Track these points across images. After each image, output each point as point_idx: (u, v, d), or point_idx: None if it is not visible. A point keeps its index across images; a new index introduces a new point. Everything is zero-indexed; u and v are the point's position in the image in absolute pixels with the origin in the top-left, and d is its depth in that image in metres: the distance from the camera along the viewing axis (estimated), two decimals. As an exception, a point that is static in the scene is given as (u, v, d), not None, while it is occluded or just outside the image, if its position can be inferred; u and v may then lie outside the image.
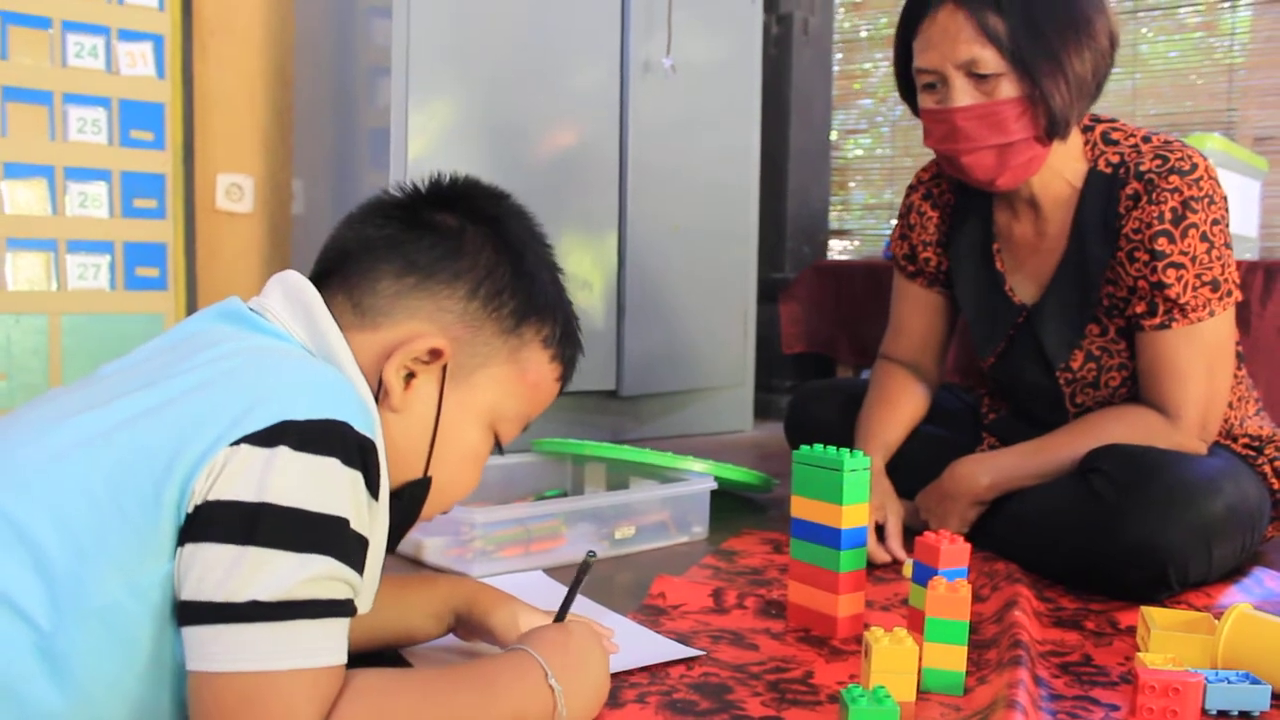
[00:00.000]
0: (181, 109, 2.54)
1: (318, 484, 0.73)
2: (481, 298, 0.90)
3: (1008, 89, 1.46)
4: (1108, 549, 1.39)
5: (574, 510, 1.61)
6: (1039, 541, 1.51)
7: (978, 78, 1.47)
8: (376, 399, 0.87)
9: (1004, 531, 1.58)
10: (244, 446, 0.72)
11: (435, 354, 0.88)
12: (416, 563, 1.56)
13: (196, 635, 0.71)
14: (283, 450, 0.72)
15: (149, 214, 2.44)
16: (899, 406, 1.78)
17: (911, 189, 1.82)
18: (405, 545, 1.59)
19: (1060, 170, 1.57)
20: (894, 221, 3.68)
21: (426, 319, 0.89)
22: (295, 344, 0.85)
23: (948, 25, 1.47)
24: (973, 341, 1.74)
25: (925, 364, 1.83)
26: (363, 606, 0.81)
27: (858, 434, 1.77)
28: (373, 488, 0.78)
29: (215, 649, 0.70)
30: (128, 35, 2.39)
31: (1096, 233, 1.55)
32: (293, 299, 0.87)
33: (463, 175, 0.97)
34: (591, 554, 1.00)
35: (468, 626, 1.12)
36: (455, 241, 0.91)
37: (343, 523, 0.74)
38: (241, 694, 0.70)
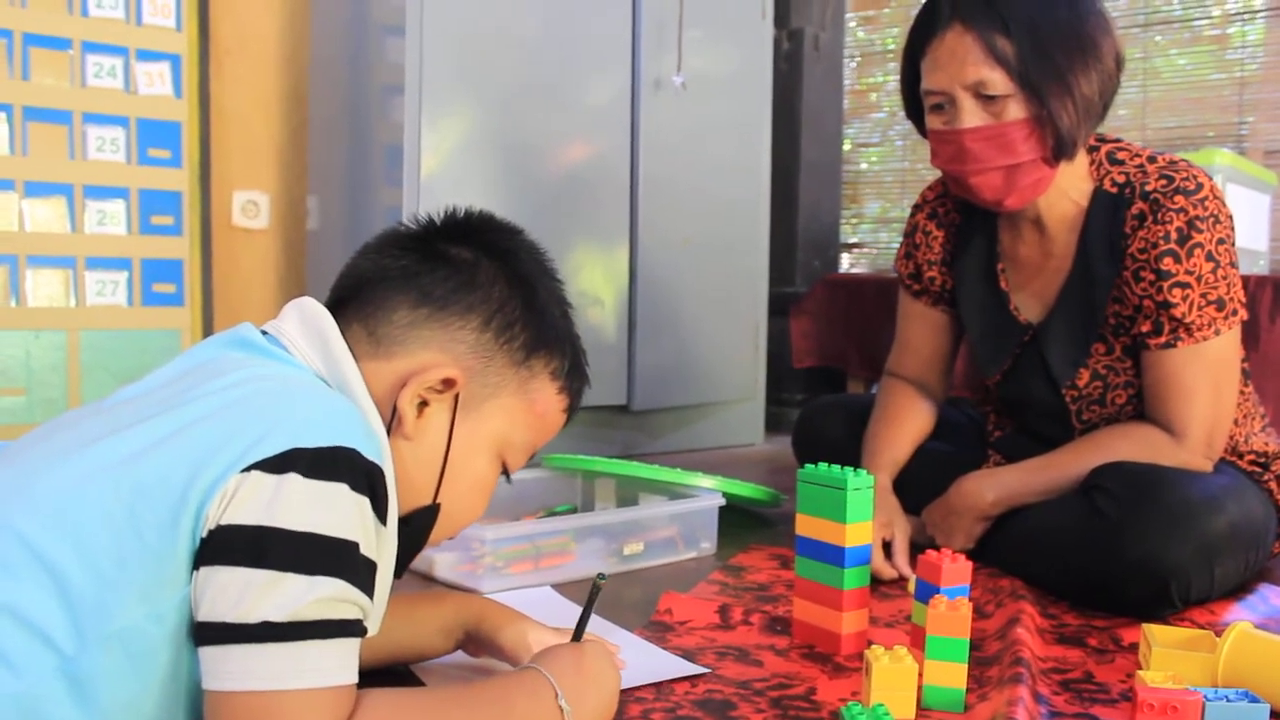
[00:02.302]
0: (198, 127, 2.57)
1: (327, 509, 0.75)
2: (494, 330, 0.93)
3: (1015, 110, 1.47)
4: (1110, 566, 1.40)
5: (583, 526, 1.63)
6: (1043, 558, 1.52)
7: (986, 99, 1.48)
8: (389, 427, 0.89)
9: (1009, 548, 1.59)
10: (255, 473, 0.74)
11: (448, 383, 0.90)
12: (428, 578, 1.58)
13: (211, 655, 0.73)
14: (293, 476, 0.74)
15: (166, 231, 2.47)
16: (905, 423, 1.80)
17: (917, 208, 1.83)
18: (416, 561, 1.61)
19: (1066, 190, 1.58)
20: (906, 234, 3.70)
21: (440, 349, 0.91)
22: (308, 371, 0.87)
23: (955, 47, 1.48)
24: (977, 361, 1.76)
25: (931, 381, 1.84)
26: (371, 629, 0.83)
27: (865, 450, 1.79)
28: (380, 513, 0.80)
29: (229, 668, 0.72)
30: (146, 55, 2.42)
31: (1102, 252, 1.56)
32: (309, 326, 0.90)
33: (478, 209, 0.99)
34: (601, 576, 1.01)
35: (477, 643, 1.13)
36: (469, 274, 0.93)
37: (352, 546, 0.76)
38: (254, 712, 0.72)
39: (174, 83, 2.46)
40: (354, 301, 0.93)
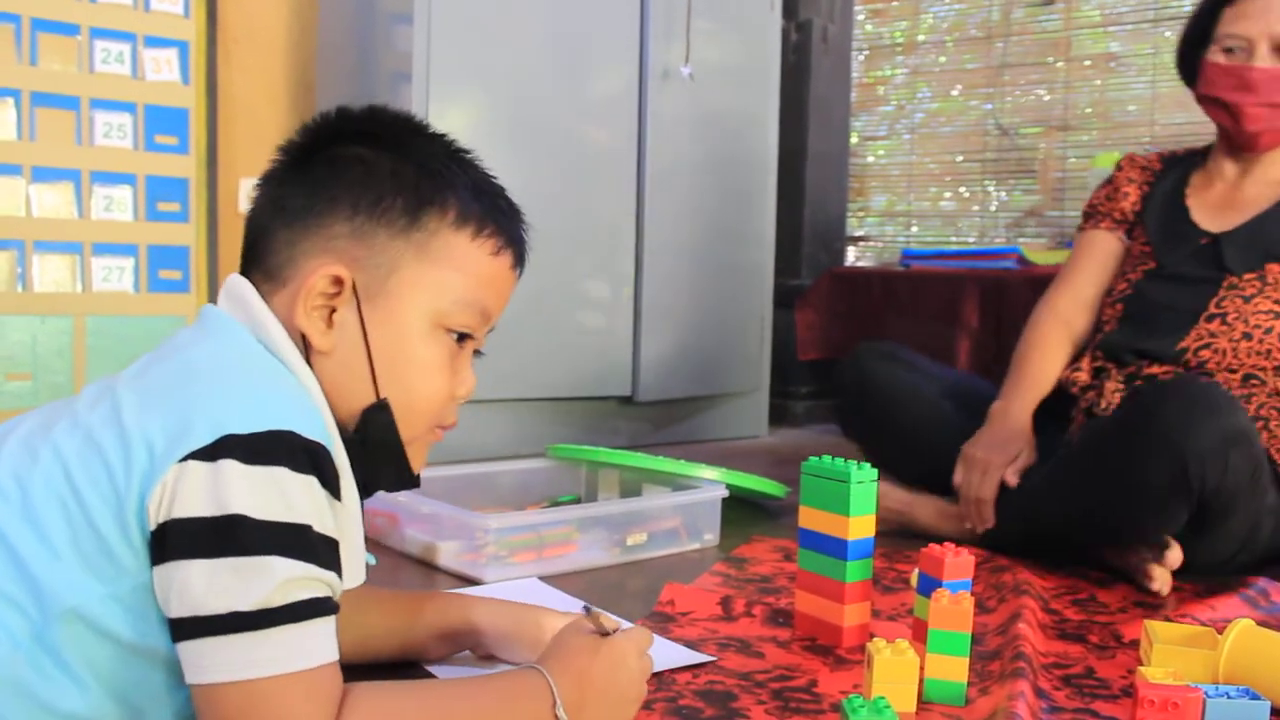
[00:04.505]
0: (205, 114, 2.57)
1: (272, 494, 0.74)
2: (365, 210, 0.88)
3: None
4: (1136, 446, 1.50)
5: (586, 517, 1.63)
6: (1075, 473, 1.61)
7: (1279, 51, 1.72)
8: (307, 355, 0.87)
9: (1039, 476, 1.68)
10: (191, 463, 0.73)
11: (338, 282, 0.87)
12: (431, 567, 1.58)
13: (188, 650, 0.74)
14: (229, 464, 0.73)
15: (172, 217, 2.48)
16: (1053, 355, 1.88)
17: (1122, 161, 2.03)
18: (414, 547, 1.61)
19: None
20: (914, 228, 3.71)
21: (320, 254, 0.87)
22: (254, 343, 0.85)
23: (1270, 3, 1.74)
24: (1156, 253, 1.86)
25: (1080, 322, 1.92)
26: (352, 581, 0.83)
27: (1014, 373, 1.87)
28: (332, 489, 0.79)
29: (207, 662, 0.73)
30: (153, 42, 2.42)
31: None
32: (233, 298, 0.88)
33: (333, 110, 0.94)
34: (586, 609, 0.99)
35: (483, 647, 1.13)
36: (324, 171, 0.89)
37: (304, 529, 0.75)
38: (240, 702, 0.72)
39: (181, 69, 2.46)
40: (252, 253, 0.90)
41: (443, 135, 0.95)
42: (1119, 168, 2.00)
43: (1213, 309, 1.74)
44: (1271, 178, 1.82)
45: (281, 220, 0.88)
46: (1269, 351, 1.69)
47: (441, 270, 0.90)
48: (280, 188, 0.90)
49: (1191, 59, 1.85)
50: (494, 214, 0.93)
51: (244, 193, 2.76)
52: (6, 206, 2.27)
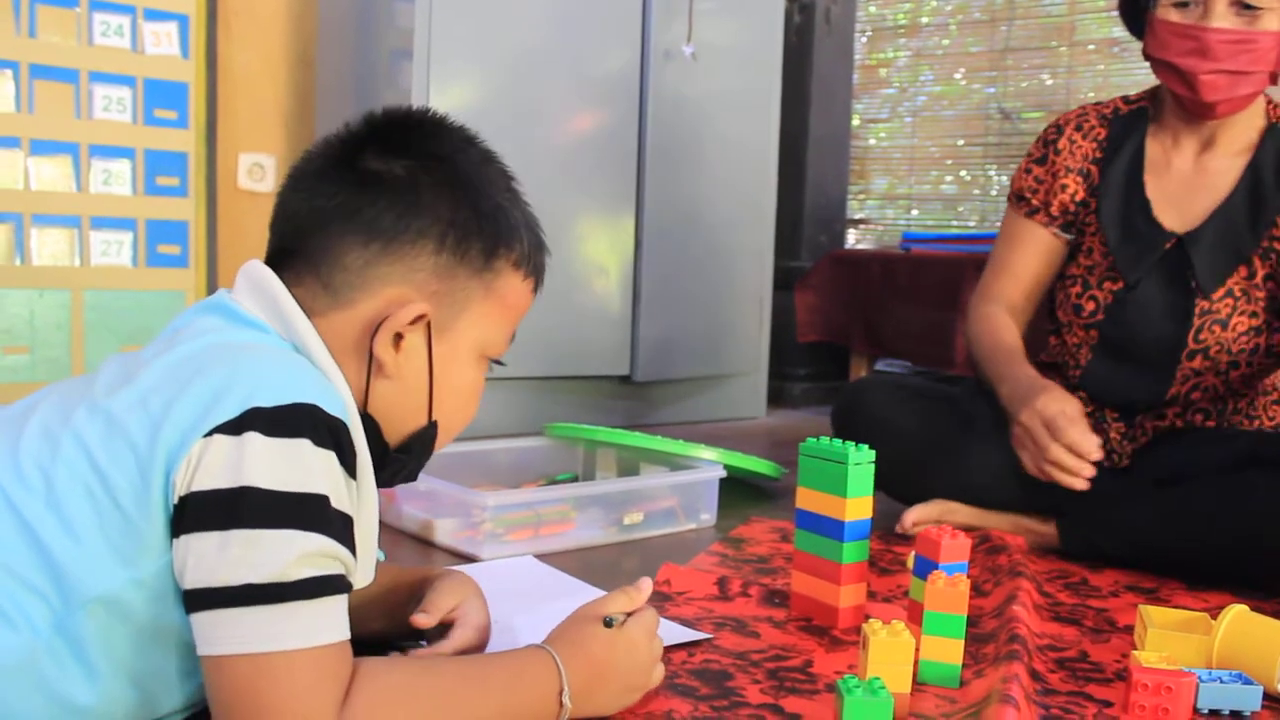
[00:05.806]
0: (205, 89, 2.56)
1: (292, 465, 0.75)
2: (449, 248, 0.89)
3: (1271, 22, 1.52)
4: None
5: (583, 495, 1.63)
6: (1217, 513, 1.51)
7: (1243, 7, 1.51)
8: (368, 373, 0.88)
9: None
10: (216, 436, 0.74)
11: (419, 317, 0.88)
12: (426, 542, 1.59)
13: (200, 621, 0.74)
14: (253, 436, 0.74)
15: (171, 192, 2.47)
16: (1016, 336, 1.72)
17: (1060, 125, 1.78)
18: (411, 524, 1.62)
19: (1249, 118, 1.63)
20: (914, 211, 3.70)
21: (401, 283, 0.87)
22: (274, 335, 0.85)
23: None
24: (1117, 265, 1.68)
25: (1021, 311, 1.77)
26: (362, 580, 0.83)
27: (997, 355, 1.68)
28: (349, 467, 0.79)
29: (218, 633, 0.73)
30: (153, 15, 2.40)
31: (1273, 179, 1.61)
32: (259, 291, 0.87)
33: (401, 109, 0.94)
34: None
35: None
36: (411, 195, 0.88)
37: (323, 500, 0.76)
38: (250, 675, 0.72)
39: (181, 43, 2.45)
40: (301, 253, 0.88)
41: (494, 156, 0.96)
42: (1056, 151, 1.74)
43: (1192, 344, 1.62)
44: (1235, 149, 1.65)
45: (358, 238, 0.86)
46: (1252, 377, 1.66)
47: (498, 307, 0.93)
48: (356, 200, 0.87)
49: (1138, 9, 1.64)
50: (537, 250, 0.97)
51: (243, 168, 2.76)
52: (4, 179, 2.26)
